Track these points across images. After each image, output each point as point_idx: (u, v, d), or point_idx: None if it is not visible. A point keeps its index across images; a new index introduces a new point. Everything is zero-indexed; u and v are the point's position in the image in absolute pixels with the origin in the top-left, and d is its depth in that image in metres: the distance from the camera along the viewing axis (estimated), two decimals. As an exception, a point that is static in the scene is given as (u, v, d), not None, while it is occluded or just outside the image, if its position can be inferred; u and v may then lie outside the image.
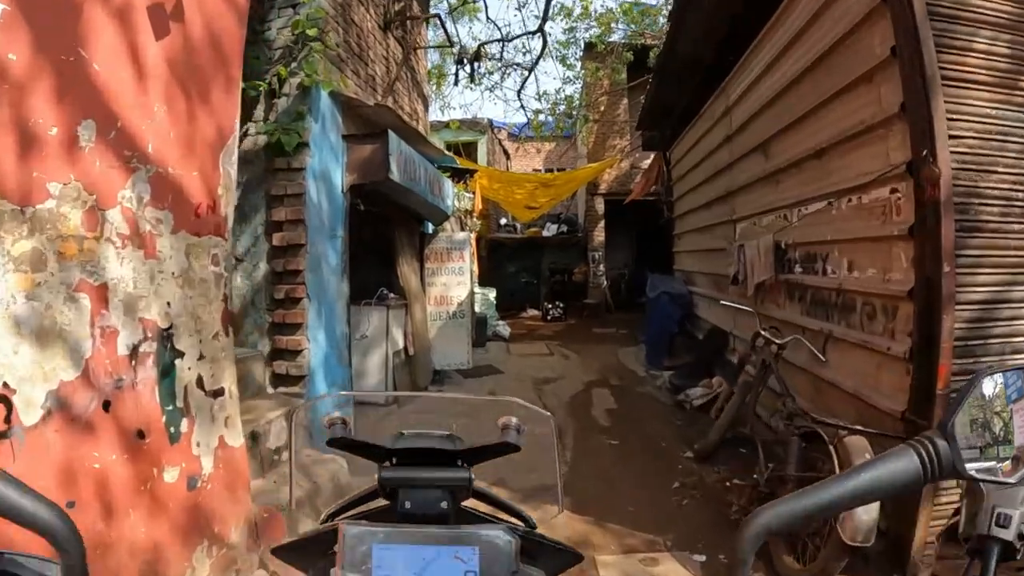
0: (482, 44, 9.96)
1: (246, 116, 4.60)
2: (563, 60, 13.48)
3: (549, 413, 0.92)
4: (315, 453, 3.67)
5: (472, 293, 7.79)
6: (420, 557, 0.70)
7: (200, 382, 2.57)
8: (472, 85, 12.37)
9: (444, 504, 0.78)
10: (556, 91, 13.19)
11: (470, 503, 0.84)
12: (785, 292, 4.41)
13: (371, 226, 6.87)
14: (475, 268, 9.38)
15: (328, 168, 4.69)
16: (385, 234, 6.34)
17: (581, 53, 13.52)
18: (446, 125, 15.44)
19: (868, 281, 3.30)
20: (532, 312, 13.88)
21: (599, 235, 13.71)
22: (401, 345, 6.46)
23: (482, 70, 11.74)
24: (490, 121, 16.01)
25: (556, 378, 7.25)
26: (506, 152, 19.17)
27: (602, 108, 13.04)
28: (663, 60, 7.31)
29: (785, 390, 3.59)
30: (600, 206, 13.52)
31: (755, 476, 3.36)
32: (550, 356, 8.61)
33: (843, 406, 3.61)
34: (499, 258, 15.48)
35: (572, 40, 13.51)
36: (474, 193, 9.06)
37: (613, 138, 13.26)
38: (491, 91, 12.53)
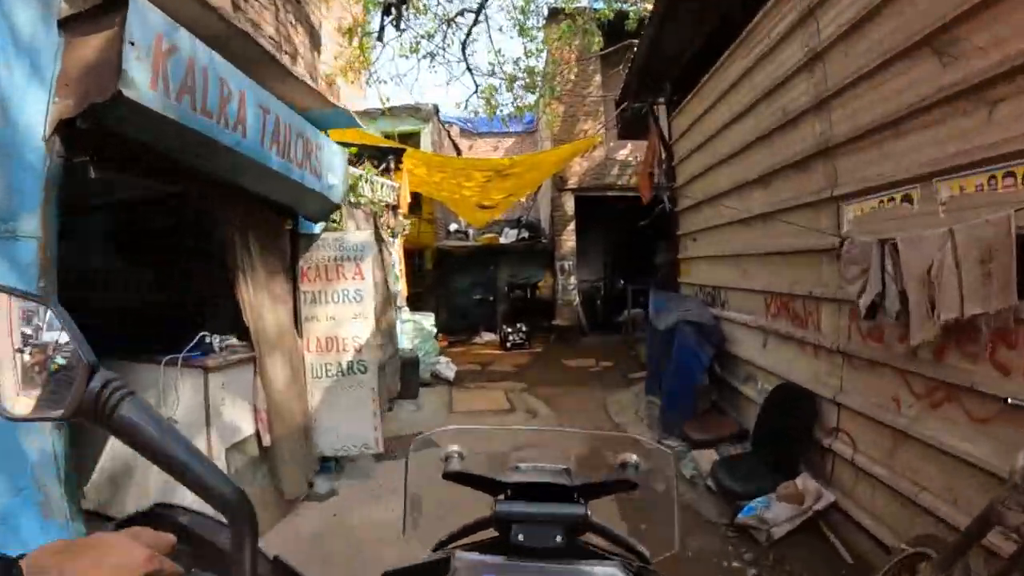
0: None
1: None
2: (522, 30, 10.95)
3: (669, 451, 0.95)
4: None
5: (377, 332, 5.10)
6: None
7: None
8: (406, 50, 9.67)
9: (558, 539, 0.77)
10: (515, 61, 10.44)
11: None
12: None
13: (172, 215, 4.12)
14: (402, 287, 6.67)
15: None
16: (212, 233, 3.60)
17: (543, 22, 11.06)
18: (382, 113, 12.79)
19: None
20: (487, 337, 11.19)
21: (568, 240, 11.18)
22: (249, 431, 3.69)
23: (413, 21, 9.09)
24: (435, 107, 13.32)
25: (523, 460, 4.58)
26: (457, 149, 16.51)
27: (572, 76, 10.56)
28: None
29: None
30: (570, 204, 10.99)
31: None
32: (510, 413, 5.94)
33: None
34: (448, 271, 12.79)
35: (533, 9, 11.04)
36: (398, 184, 6.35)
37: (584, 120, 10.79)
38: (431, 57, 9.84)
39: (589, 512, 0.79)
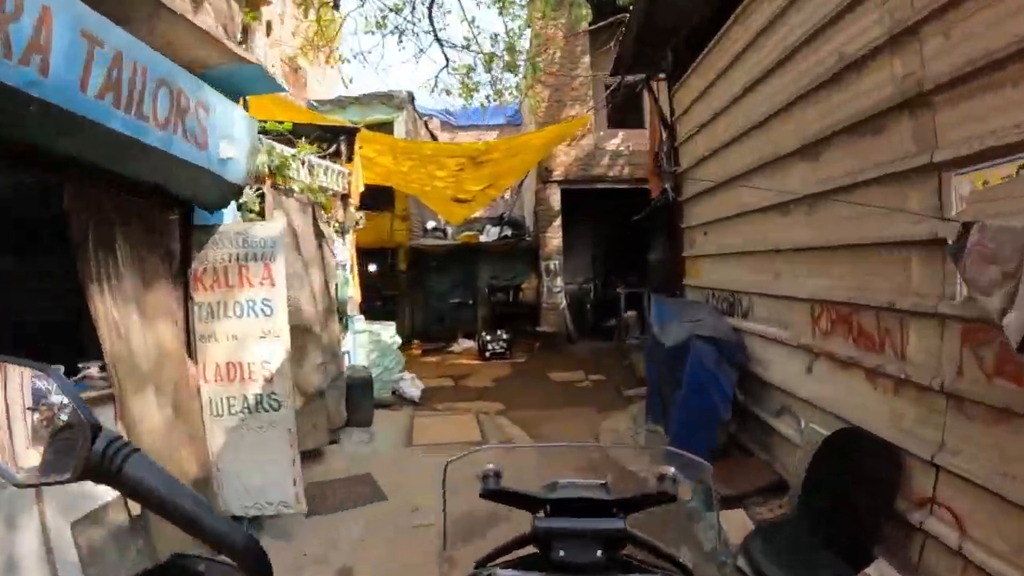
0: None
1: None
2: (503, 7, 9.94)
3: (708, 464, 0.93)
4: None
5: (317, 349, 4.08)
6: None
7: None
8: (371, 25, 8.63)
9: (599, 553, 0.76)
10: (493, 36, 9.33)
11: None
12: None
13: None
14: (355, 293, 5.63)
15: None
16: (50, 221, 2.57)
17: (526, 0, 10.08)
18: (355, 100, 11.78)
19: None
20: (466, 344, 10.16)
21: (554, 238, 10.19)
22: (111, 494, 2.64)
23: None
24: (410, 95, 12.27)
25: (493, 515, 3.57)
26: (435, 140, 15.46)
27: (558, 56, 9.57)
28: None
29: None
30: (556, 198, 9.99)
31: None
32: (481, 445, 4.93)
33: None
34: (423, 272, 11.76)
35: (516, -15, 10.03)
36: (349, 170, 5.30)
37: (572, 106, 9.80)
38: (399, 33, 8.81)
39: (627, 527, 0.78)
